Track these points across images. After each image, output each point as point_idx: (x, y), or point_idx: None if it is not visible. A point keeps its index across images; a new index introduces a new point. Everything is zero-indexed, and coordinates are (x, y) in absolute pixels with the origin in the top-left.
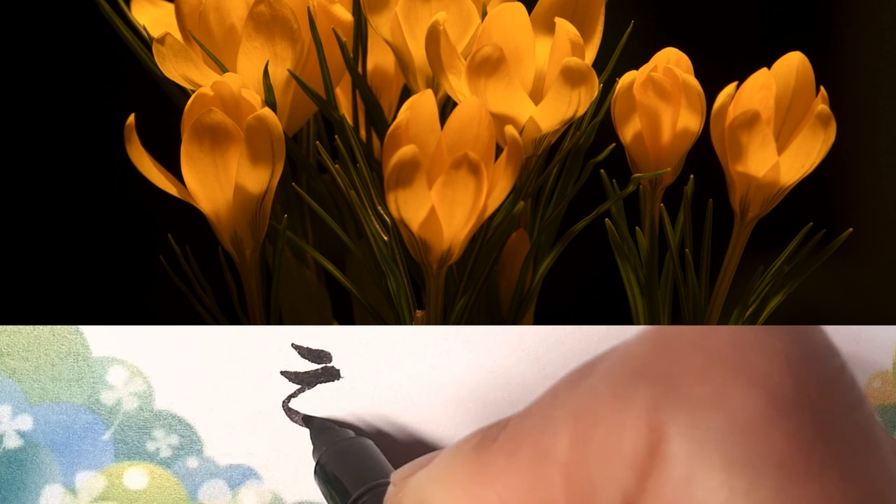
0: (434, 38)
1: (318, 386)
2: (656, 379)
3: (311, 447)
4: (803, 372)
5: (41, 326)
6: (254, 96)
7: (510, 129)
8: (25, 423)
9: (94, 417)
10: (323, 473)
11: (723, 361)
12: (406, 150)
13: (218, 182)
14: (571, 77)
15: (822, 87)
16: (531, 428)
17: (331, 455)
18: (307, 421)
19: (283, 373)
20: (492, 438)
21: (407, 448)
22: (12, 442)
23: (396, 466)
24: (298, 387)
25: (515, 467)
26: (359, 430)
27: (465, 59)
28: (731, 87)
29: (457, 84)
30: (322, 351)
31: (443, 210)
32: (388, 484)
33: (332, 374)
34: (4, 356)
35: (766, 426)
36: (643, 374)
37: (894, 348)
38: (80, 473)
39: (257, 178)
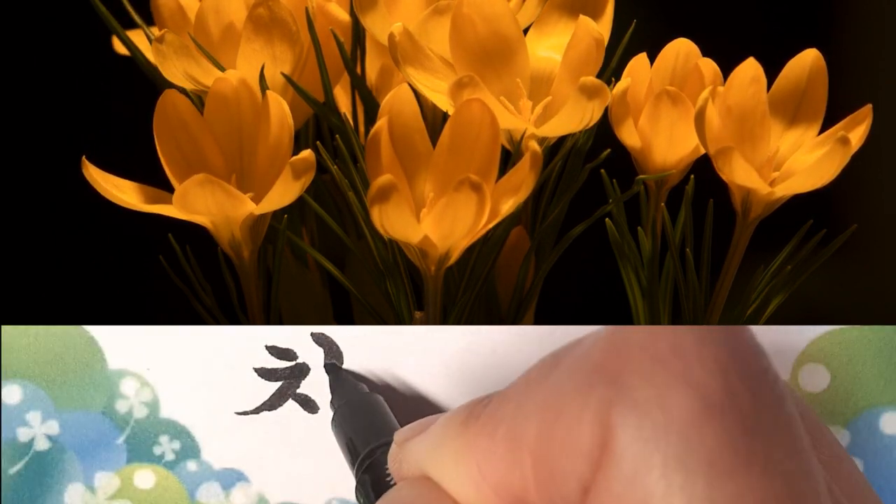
0: (392, 41)
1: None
2: (610, 380)
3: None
4: (731, 373)
5: (58, 331)
6: (276, 99)
7: (533, 144)
8: (53, 427)
9: (110, 423)
10: (338, 425)
11: (665, 365)
12: (383, 179)
13: (216, 204)
14: (587, 91)
15: (869, 105)
16: (508, 412)
17: (345, 409)
18: (329, 369)
19: (255, 370)
20: (476, 416)
21: (413, 407)
22: (42, 444)
23: (403, 424)
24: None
25: (494, 447)
26: (372, 385)
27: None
28: (706, 91)
29: (416, 75)
30: (289, 349)
31: (441, 229)
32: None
33: (301, 372)
34: (38, 364)
35: (699, 426)
36: (599, 374)
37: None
38: (98, 474)
39: (280, 204)
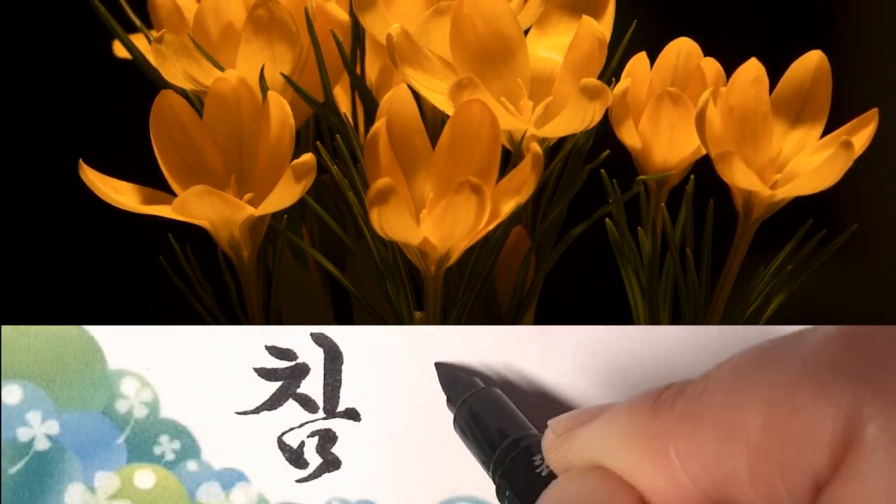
0: (390, 42)
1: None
2: (856, 374)
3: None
4: None
5: (58, 331)
6: (277, 99)
7: (534, 145)
8: (53, 427)
9: (110, 423)
10: (465, 420)
11: None
12: (382, 182)
13: (216, 212)
14: (588, 92)
15: (875, 109)
16: (716, 402)
17: (468, 406)
18: (439, 366)
19: (255, 370)
20: (668, 405)
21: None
22: (42, 444)
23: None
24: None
25: (699, 436)
26: (485, 379)
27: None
28: (707, 91)
29: (415, 76)
30: (289, 349)
31: (441, 231)
32: (532, 435)
33: (301, 372)
34: (38, 364)
35: None
36: (842, 373)
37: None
38: (98, 474)
39: (280, 207)
